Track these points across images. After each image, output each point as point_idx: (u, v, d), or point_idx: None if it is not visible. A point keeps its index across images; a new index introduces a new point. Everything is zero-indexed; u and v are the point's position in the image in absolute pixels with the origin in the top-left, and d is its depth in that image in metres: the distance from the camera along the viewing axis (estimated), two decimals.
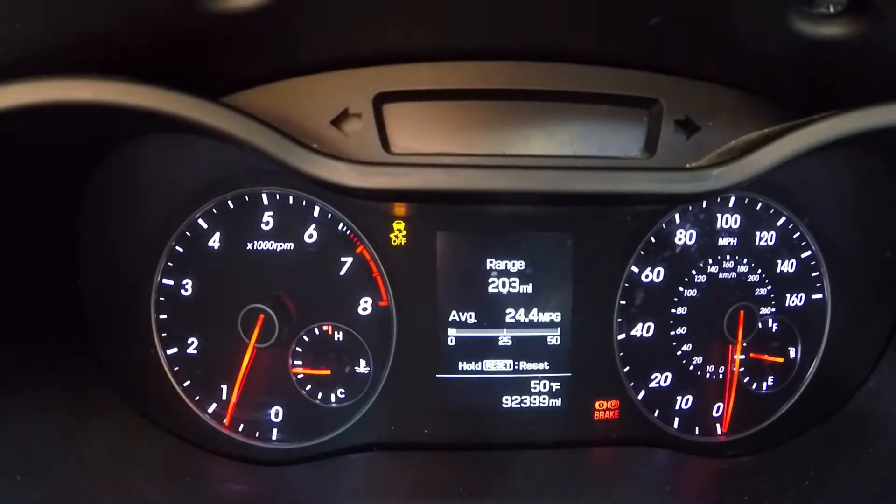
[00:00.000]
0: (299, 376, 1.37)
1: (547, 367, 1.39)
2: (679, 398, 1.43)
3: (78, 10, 0.85)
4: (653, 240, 1.38)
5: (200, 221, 1.33)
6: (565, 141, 1.21)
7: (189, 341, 1.35)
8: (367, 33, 1.06)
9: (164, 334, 1.35)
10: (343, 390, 1.38)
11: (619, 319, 1.39)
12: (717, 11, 0.96)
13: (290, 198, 1.32)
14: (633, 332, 1.40)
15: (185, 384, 1.36)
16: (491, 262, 1.35)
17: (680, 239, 1.39)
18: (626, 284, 1.38)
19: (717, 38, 1.07)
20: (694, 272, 1.39)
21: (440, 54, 1.14)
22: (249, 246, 1.33)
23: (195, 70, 1.07)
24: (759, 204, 1.40)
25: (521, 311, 1.37)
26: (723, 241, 1.39)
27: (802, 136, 1.04)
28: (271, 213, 1.32)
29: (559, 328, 1.38)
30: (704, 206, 1.38)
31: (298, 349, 1.36)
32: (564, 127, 1.21)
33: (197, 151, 1.28)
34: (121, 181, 1.28)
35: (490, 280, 1.36)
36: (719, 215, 1.39)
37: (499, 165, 1.06)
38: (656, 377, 1.42)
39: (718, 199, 1.38)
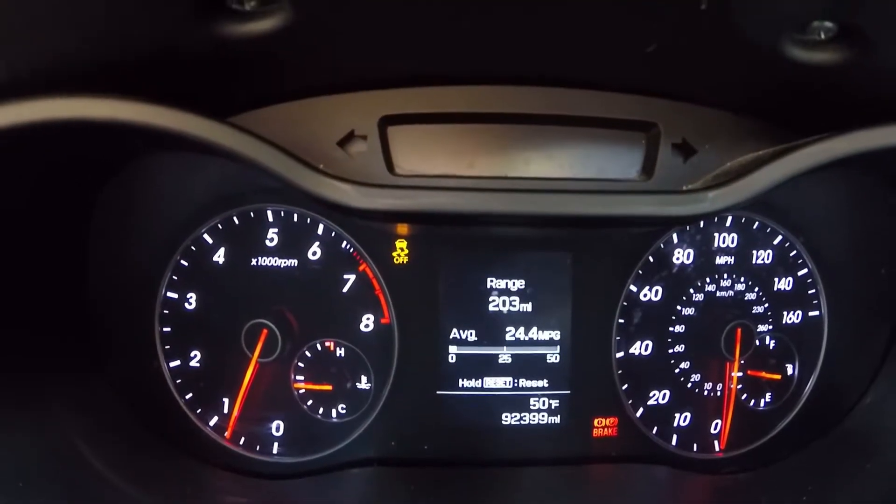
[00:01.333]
0: (301, 391, 1.38)
1: (546, 385, 1.40)
2: (677, 415, 1.44)
3: (95, 33, 0.88)
4: (651, 259, 1.39)
5: (206, 237, 1.34)
6: (565, 164, 1.23)
7: (192, 354, 1.36)
8: (373, 58, 1.08)
9: (167, 347, 1.36)
10: (344, 406, 1.39)
11: (618, 338, 1.40)
12: (712, 39, 0.98)
13: (295, 215, 1.34)
14: (631, 350, 1.42)
15: (187, 397, 1.37)
16: (491, 280, 1.37)
17: (678, 258, 1.40)
18: (625, 303, 1.40)
19: (712, 64, 1.09)
20: (692, 291, 1.41)
21: (444, 79, 1.16)
22: (254, 262, 1.34)
23: (206, 90, 1.09)
24: (756, 223, 1.41)
25: (521, 329, 1.38)
26: (720, 260, 1.41)
27: (795, 160, 1.06)
28: (276, 230, 1.34)
29: (558, 346, 1.39)
30: (702, 225, 1.39)
31: (300, 364, 1.37)
32: (564, 150, 1.24)
33: (204, 169, 1.30)
34: (130, 196, 1.30)
35: (490, 298, 1.37)
36: (716, 235, 1.40)
37: (500, 189, 1.08)
38: (654, 394, 1.43)
39: (716, 219, 1.40)
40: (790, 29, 0.93)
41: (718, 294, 1.41)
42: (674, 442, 1.45)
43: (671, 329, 1.41)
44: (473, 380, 1.39)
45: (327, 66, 1.11)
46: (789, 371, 1.45)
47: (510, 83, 1.18)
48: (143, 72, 0.99)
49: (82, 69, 0.93)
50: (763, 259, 1.42)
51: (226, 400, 1.37)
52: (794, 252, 1.44)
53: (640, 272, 1.40)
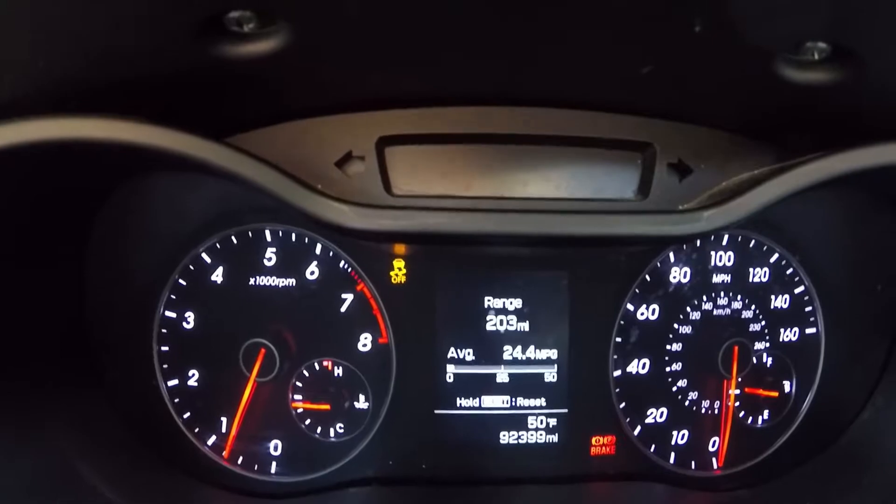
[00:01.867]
0: (299, 410, 1.38)
1: (544, 404, 1.40)
2: (675, 433, 1.44)
3: (94, 54, 0.89)
4: (648, 278, 1.40)
5: (204, 256, 1.34)
6: (561, 184, 1.24)
7: (190, 373, 1.36)
8: (371, 80, 1.09)
9: (165, 366, 1.35)
10: (342, 425, 1.38)
11: (615, 356, 1.40)
12: (706, 60, 1.00)
13: (293, 235, 1.34)
14: (628, 369, 1.41)
15: (185, 416, 1.37)
16: (489, 300, 1.37)
17: (674, 277, 1.41)
18: (622, 322, 1.40)
19: (706, 85, 1.10)
20: (688, 309, 1.41)
21: (441, 99, 1.17)
22: (252, 281, 1.34)
23: (204, 111, 1.10)
24: (752, 241, 1.42)
25: (519, 348, 1.38)
26: (717, 279, 1.41)
27: (790, 179, 1.07)
28: (274, 250, 1.34)
29: (556, 365, 1.39)
30: (698, 244, 1.40)
31: (298, 384, 1.37)
32: (561, 170, 1.24)
33: (203, 189, 1.31)
34: (128, 215, 1.30)
35: (488, 318, 1.37)
36: (713, 253, 1.41)
37: (497, 209, 1.09)
38: (652, 413, 1.43)
39: (712, 238, 1.40)
40: (784, 49, 0.94)
41: (715, 312, 1.41)
42: (672, 460, 1.45)
43: (668, 347, 1.41)
44: (471, 399, 1.39)
45: (325, 88, 1.11)
46: (787, 388, 1.45)
47: (507, 104, 1.19)
48: (141, 92, 1.00)
49: (81, 89, 0.94)
50: (759, 277, 1.43)
51: (224, 419, 1.36)
52: (791, 270, 1.44)
53: (637, 291, 1.40)
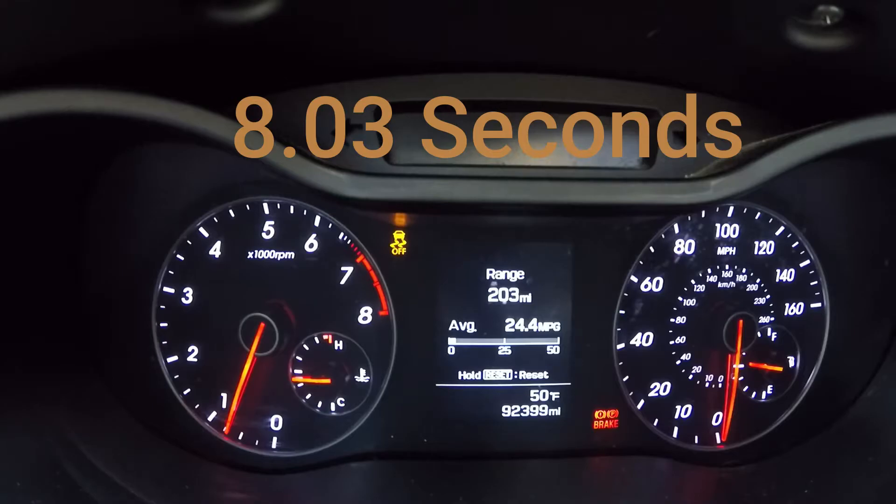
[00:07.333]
0: (299, 385, 1.37)
1: (546, 377, 1.39)
2: (678, 407, 1.43)
3: (84, 23, 0.86)
4: (652, 250, 1.38)
5: (201, 230, 1.33)
6: (565, 152, 1.22)
7: (189, 349, 1.35)
8: (370, 46, 1.07)
9: (164, 342, 1.35)
10: (343, 399, 1.38)
11: (619, 329, 1.39)
12: (715, 24, 0.97)
13: (291, 207, 1.33)
14: (632, 342, 1.41)
15: (185, 392, 1.36)
16: (491, 271, 1.36)
17: (679, 248, 1.39)
18: (626, 294, 1.39)
19: (714, 50, 1.08)
20: (693, 282, 1.40)
21: (442, 66, 1.15)
22: (250, 255, 1.33)
23: (200, 81, 1.08)
24: (758, 213, 1.40)
25: (521, 320, 1.37)
26: (721, 251, 1.40)
27: (800, 148, 1.05)
28: (272, 223, 1.33)
29: (559, 338, 1.38)
30: (703, 215, 1.38)
31: (299, 358, 1.36)
32: (565, 138, 1.22)
33: (199, 161, 1.29)
34: (123, 190, 1.29)
35: (490, 290, 1.36)
36: (718, 225, 1.39)
37: (499, 177, 1.06)
38: (655, 386, 1.42)
39: (717, 209, 1.38)
40: (794, 13, 0.91)
41: (720, 285, 1.40)
42: (675, 434, 1.44)
43: (672, 320, 1.40)
44: (473, 372, 1.38)
45: (322, 55, 1.09)
46: (791, 363, 1.44)
47: (509, 70, 1.17)
48: (132, 63, 0.97)
49: (68, 62, 0.91)
50: (765, 250, 1.41)
51: (224, 395, 1.36)
52: (796, 243, 1.42)
53: (641, 263, 1.38)
